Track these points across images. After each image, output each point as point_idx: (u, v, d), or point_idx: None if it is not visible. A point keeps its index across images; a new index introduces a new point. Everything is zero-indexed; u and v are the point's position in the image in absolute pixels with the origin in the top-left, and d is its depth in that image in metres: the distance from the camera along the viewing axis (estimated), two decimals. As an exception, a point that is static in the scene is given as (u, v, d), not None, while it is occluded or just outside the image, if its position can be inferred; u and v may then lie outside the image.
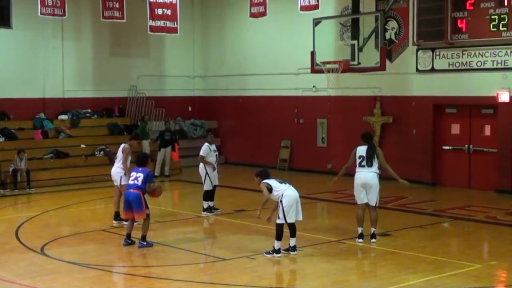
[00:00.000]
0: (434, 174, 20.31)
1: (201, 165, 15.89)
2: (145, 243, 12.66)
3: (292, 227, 11.95)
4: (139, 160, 13.06)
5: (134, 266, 11.79)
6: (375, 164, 12.85)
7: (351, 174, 13.25)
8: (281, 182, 12.00)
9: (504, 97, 18.64)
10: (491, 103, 18.94)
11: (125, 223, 14.45)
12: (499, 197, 18.36)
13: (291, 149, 24.17)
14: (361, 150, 12.91)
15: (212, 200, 16.04)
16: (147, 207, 12.70)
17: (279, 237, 11.83)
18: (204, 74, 27.13)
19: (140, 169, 12.81)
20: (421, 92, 20.47)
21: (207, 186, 15.83)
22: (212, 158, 15.89)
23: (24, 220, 15.43)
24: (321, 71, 19.84)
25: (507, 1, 18.10)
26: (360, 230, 12.98)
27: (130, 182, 12.75)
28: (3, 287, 10.50)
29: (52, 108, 23.51)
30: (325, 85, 20.68)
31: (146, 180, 12.65)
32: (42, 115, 23.19)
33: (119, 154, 14.78)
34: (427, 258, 11.87)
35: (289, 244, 12.01)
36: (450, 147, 20.13)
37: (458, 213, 16.22)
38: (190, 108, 26.98)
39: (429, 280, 10.53)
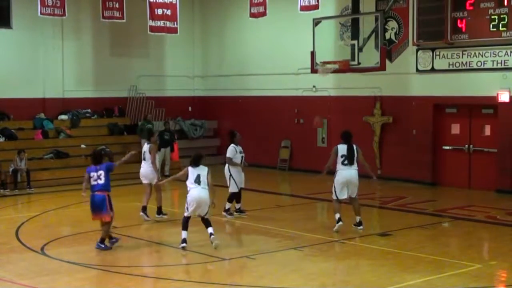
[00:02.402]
0: (434, 174, 20.29)
1: (226, 166, 15.64)
2: (103, 245, 12.51)
3: (203, 219, 12.56)
4: (94, 157, 12.59)
5: (134, 266, 11.78)
6: (355, 162, 13.84)
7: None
8: (195, 181, 12.33)
9: (504, 97, 18.64)
10: (491, 103, 18.94)
11: (146, 218, 15.05)
12: (499, 197, 18.35)
13: (291, 149, 24.16)
14: (342, 149, 13.88)
15: (238, 202, 15.78)
16: (111, 209, 12.50)
17: (184, 227, 12.50)
18: (204, 74, 27.12)
19: (97, 167, 12.41)
20: (421, 92, 20.47)
21: (232, 188, 15.55)
22: (238, 160, 15.70)
23: (24, 220, 15.43)
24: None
25: (507, 1, 18.10)
26: (337, 215, 13.85)
27: (94, 182, 12.40)
28: (3, 287, 10.49)
29: (52, 108, 23.52)
30: (325, 85, 20.67)
31: (108, 172, 12.39)
32: (42, 115, 23.19)
33: (147, 154, 15.15)
34: (427, 258, 11.87)
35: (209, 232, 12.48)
36: (450, 147, 20.13)
37: (458, 213, 16.23)
38: (190, 108, 26.97)
39: (429, 280, 10.54)
